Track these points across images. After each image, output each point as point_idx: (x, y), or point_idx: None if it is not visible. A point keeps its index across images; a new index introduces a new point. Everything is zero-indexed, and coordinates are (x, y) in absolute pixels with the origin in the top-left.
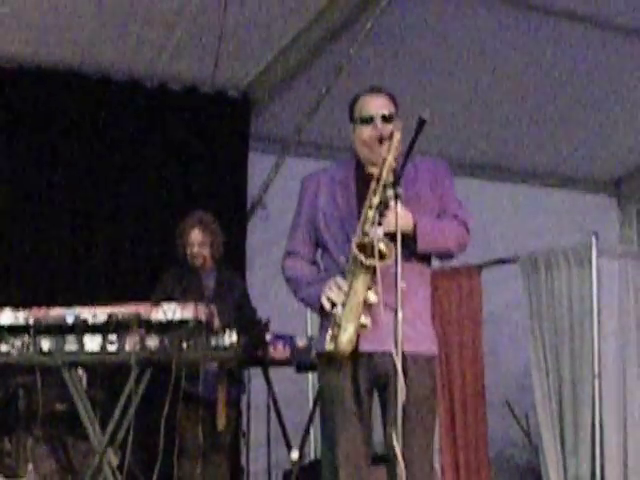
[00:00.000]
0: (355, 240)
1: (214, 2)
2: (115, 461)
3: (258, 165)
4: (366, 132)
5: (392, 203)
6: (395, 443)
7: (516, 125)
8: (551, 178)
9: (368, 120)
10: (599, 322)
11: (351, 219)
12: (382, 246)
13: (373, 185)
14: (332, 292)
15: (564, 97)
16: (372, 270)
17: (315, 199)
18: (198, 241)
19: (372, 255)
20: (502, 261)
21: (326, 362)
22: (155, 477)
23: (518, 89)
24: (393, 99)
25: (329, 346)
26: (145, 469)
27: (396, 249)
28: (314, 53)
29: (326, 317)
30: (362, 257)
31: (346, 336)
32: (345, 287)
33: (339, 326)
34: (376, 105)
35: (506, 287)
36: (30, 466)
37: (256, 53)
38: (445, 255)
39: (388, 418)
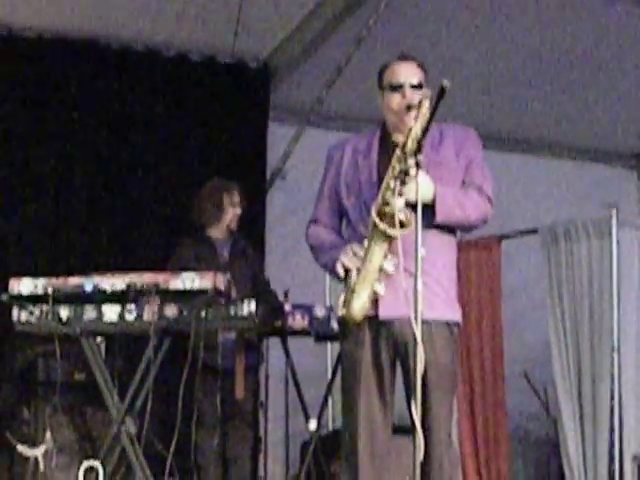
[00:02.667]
0: (374, 207)
1: None
2: (133, 430)
3: (278, 136)
4: (395, 100)
5: (413, 172)
6: (413, 412)
7: (537, 97)
8: (571, 151)
9: (397, 88)
10: (619, 294)
11: (370, 187)
12: (402, 216)
13: (396, 153)
14: (346, 258)
15: (586, 70)
16: (390, 238)
17: (339, 168)
18: (243, 206)
19: (391, 223)
20: (522, 232)
21: (347, 330)
22: (173, 446)
23: (540, 61)
24: (423, 67)
25: (341, 311)
26: (163, 438)
27: (417, 218)
28: (334, 23)
29: (345, 284)
30: (381, 224)
31: (359, 302)
32: (360, 253)
33: (352, 291)
34: (406, 73)
35: (526, 259)
36: (48, 434)
37: (276, 23)
38: (465, 227)
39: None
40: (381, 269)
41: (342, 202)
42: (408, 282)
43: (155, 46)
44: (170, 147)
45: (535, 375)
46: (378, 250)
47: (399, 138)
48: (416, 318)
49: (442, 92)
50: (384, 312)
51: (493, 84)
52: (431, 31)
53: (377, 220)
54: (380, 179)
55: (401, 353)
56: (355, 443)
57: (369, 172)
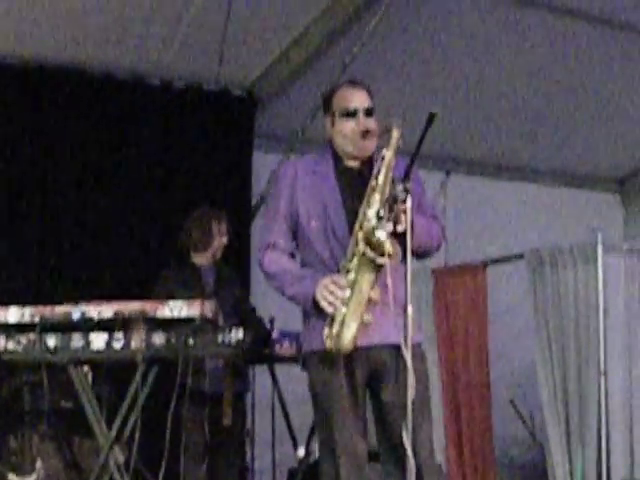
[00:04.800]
0: (362, 238)
1: None
2: (121, 458)
3: (263, 163)
4: (349, 126)
5: (402, 198)
6: (404, 437)
7: (521, 123)
8: (556, 176)
9: (352, 114)
10: (605, 319)
11: (336, 213)
12: (388, 246)
13: (371, 183)
14: (331, 295)
15: (569, 95)
16: (378, 268)
17: (293, 191)
18: (229, 236)
19: (378, 253)
20: (508, 258)
21: (320, 359)
22: (161, 474)
23: (523, 87)
24: (370, 92)
25: (330, 344)
26: (150, 466)
27: (405, 246)
28: (318, 51)
29: (315, 313)
30: (376, 257)
31: (350, 334)
32: (344, 284)
33: (342, 324)
34: (359, 99)
35: (511, 285)
36: (39, 462)
37: (261, 51)
38: (424, 255)
39: (389, 411)
40: (370, 299)
41: (301, 227)
42: (381, 310)
43: (139, 73)
44: (154, 174)
45: (521, 400)
46: (367, 281)
47: (353, 164)
48: (406, 343)
49: (431, 119)
50: (360, 340)
51: (477, 111)
52: (416, 58)
53: (368, 251)
54: (345, 206)
55: (375, 379)
56: (338, 472)
57: (333, 198)
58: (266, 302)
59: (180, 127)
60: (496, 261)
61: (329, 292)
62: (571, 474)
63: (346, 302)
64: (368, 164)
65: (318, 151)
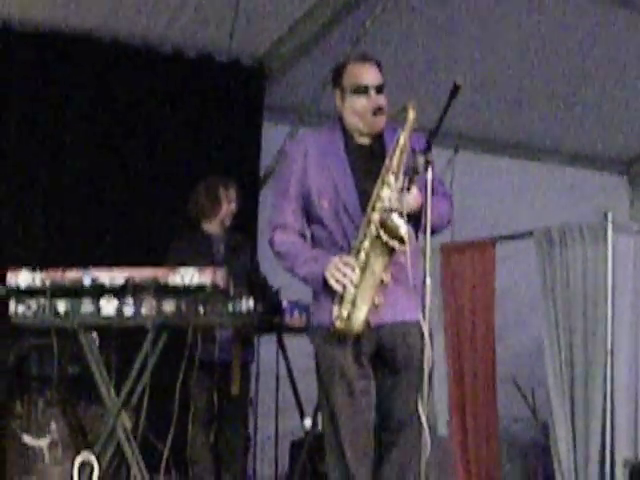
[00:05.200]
0: (377, 221)
1: None
2: (129, 424)
3: (272, 135)
4: (360, 103)
5: (423, 169)
6: (420, 409)
7: (531, 102)
8: (564, 156)
9: (363, 90)
10: (613, 299)
11: (348, 193)
12: (403, 232)
13: (385, 164)
14: (339, 273)
15: (579, 75)
16: (392, 252)
17: (304, 170)
18: (238, 204)
19: (393, 237)
20: (517, 235)
21: (327, 334)
22: (169, 441)
23: (533, 66)
24: (381, 68)
25: (340, 325)
26: (158, 433)
27: (426, 218)
28: (330, 23)
29: (324, 291)
30: (390, 240)
31: (361, 316)
32: (354, 265)
33: (352, 305)
34: (370, 75)
35: (519, 262)
36: (53, 424)
37: (272, 22)
38: (432, 233)
39: (393, 387)
40: (382, 281)
41: (312, 205)
42: (394, 288)
43: (151, 42)
44: (163, 144)
45: (524, 378)
46: (380, 264)
47: (364, 140)
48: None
49: (455, 90)
50: (373, 320)
51: (488, 88)
52: (427, 33)
53: (383, 234)
54: (356, 184)
55: (382, 354)
56: (341, 443)
57: (344, 176)
58: (274, 272)
59: (190, 96)
60: (506, 238)
61: (338, 270)
62: (575, 452)
63: (356, 283)
64: (378, 140)
65: (327, 124)
